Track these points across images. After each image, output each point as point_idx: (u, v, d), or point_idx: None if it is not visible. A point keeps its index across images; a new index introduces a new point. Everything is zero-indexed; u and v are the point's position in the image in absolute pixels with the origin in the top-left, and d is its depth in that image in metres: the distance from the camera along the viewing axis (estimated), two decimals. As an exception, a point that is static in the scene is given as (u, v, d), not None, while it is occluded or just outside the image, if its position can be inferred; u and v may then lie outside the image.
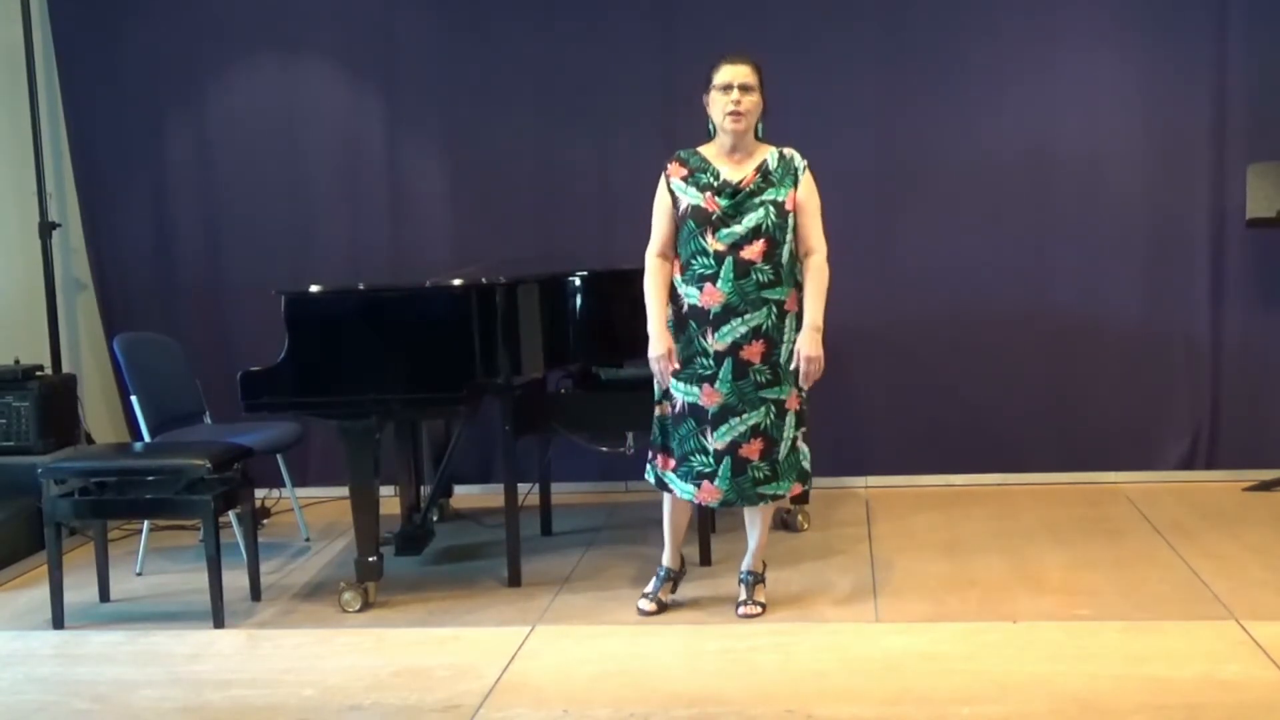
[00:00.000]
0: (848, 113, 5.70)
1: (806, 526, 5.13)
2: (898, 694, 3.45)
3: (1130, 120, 5.60)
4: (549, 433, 4.88)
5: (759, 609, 4.12)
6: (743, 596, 4.16)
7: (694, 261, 3.94)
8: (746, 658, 3.77)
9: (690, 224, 3.94)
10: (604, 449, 4.77)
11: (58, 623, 4.26)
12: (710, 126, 4.02)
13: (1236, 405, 5.67)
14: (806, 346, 3.95)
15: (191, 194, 6.02)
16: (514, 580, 4.52)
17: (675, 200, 3.99)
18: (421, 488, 5.23)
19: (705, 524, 4.61)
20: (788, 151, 4.02)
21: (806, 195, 3.99)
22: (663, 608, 4.16)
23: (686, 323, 3.98)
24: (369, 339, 4.21)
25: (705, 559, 4.59)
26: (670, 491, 4.09)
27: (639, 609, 4.15)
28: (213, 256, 6.02)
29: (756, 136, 4.03)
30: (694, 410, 3.99)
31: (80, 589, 4.55)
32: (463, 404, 4.40)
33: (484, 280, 4.27)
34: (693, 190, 3.96)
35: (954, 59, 5.65)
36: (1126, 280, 5.66)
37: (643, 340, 4.03)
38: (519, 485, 4.55)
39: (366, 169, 5.96)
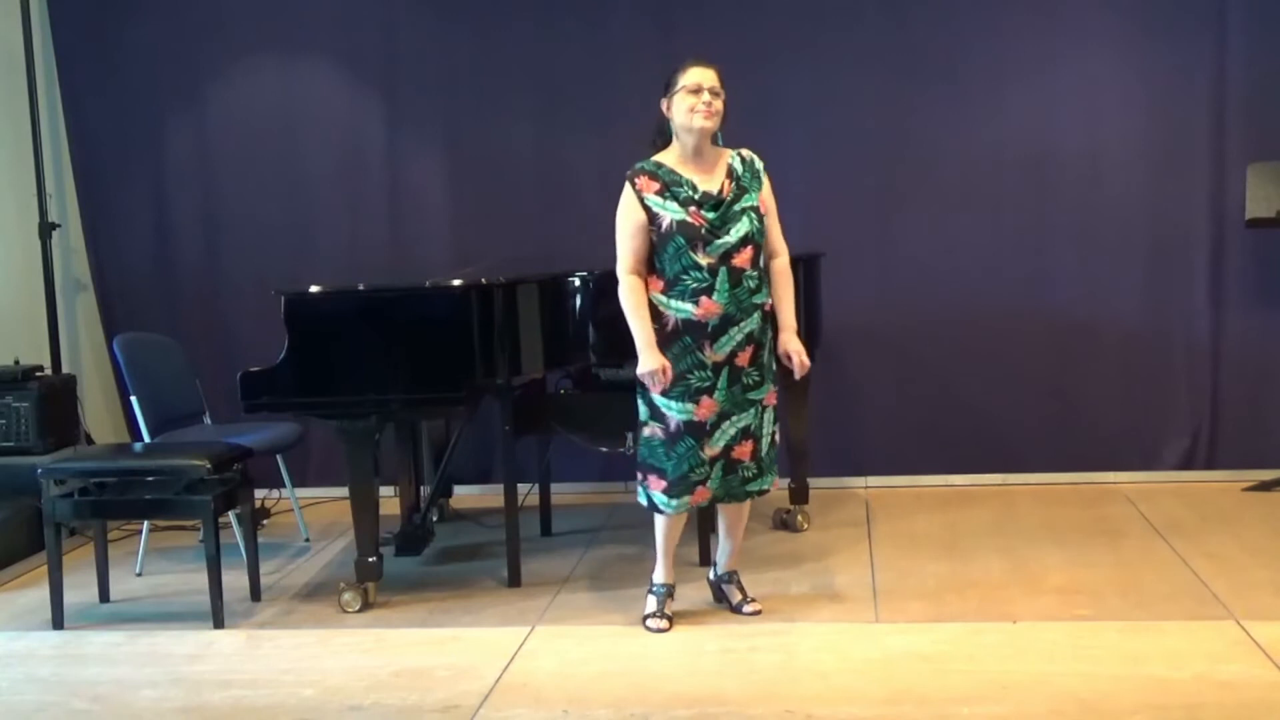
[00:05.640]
0: (847, 112, 5.70)
1: (806, 526, 5.14)
2: (898, 694, 3.45)
3: (1130, 120, 5.60)
4: (549, 433, 4.88)
5: (758, 603, 4.13)
6: (738, 597, 4.16)
7: (685, 277, 3.84)
8: (746, 658, 3.77)
9: (678, 239, 3.84)
10: (604, 449, 4.77)
11: (58, 623, 4.26)
12: (664, 132, 3.93)
13: (1236, 405, 5.67)
14: (793, 343, 3.99)
15: (191, 194, 6.02)
16: (514, 580, 4.52)
17: (653, 216, 3.87)
18: (421, 488, 5.23)
19: (705, 524, 4.60)
20: (745, 153, 3.98)
21: (769, 195, 3.99)
22: (671, 622, 4.05)
23: (678, 338, 3.88)
24: (369, 339, 4.20)
25: (705, 559, 4.58)
26: (662, 513, 4.00)
27: (651, 629, 4.00)
28: (213, 257, 6.03)
29: (715, 141, 3.96)
30: (690, 427, 3.90)
31: (80, 589, 4.55)
32: (462, 404, 4.40)
33: (484, 280, 4.27)
34: (673, 205, 3.86)
35: (954, 59, 5.65)
36: (1126, 280, 5.66)
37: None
38: (519, 485, 4.55)
39: (366, 169, 5.96)
